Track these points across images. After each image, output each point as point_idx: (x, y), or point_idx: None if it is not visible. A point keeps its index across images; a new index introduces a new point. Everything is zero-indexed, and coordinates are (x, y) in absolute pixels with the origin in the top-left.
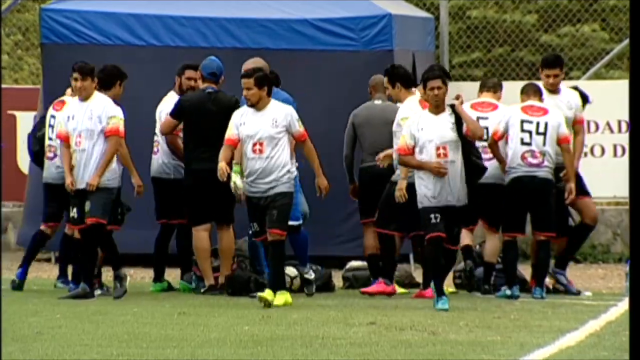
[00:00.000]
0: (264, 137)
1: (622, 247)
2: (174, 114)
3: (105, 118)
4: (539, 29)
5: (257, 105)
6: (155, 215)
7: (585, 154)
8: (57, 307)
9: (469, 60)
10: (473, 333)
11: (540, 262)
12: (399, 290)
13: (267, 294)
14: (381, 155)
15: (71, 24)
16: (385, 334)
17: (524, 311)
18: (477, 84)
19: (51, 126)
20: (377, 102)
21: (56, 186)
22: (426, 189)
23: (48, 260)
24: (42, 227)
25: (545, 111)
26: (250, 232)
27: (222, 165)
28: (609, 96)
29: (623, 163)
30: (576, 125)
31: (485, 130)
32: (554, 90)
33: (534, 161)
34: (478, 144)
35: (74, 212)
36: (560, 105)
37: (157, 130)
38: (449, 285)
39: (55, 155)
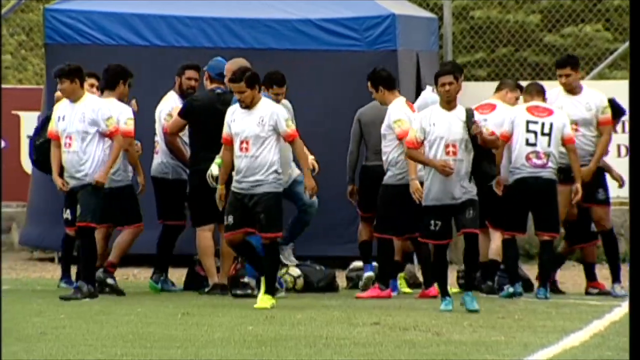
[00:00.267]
0: (250, 135)
1: (626, 247)
2: (183, 114)
3: (101, 121)
4: (543, 29)
5: (250, 105)
6: (157, 215)
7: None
8: (61, 307)
9: (472, 61)
10: (477, 333)
11: (543, 262)
12: (404, 290)
13: (262, 301)
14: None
15: (75, 24)
16: (389, 334)
17: (527, 311)
18: (479, 84)
19: None
20: None
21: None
22: (428, 188)
23: (52, 260)
24: (67, 230)
25: (550, 112)
26: (225, 224)
27: (219, 194)
28: (613, 96)
29: (626, 163)
30: (600, 126)
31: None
32: (570, 90)
33: (539, 162)
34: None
35: (67, 214)
36: (577, 106)
37: (157, 130)
38: (452, 286)
39: None
